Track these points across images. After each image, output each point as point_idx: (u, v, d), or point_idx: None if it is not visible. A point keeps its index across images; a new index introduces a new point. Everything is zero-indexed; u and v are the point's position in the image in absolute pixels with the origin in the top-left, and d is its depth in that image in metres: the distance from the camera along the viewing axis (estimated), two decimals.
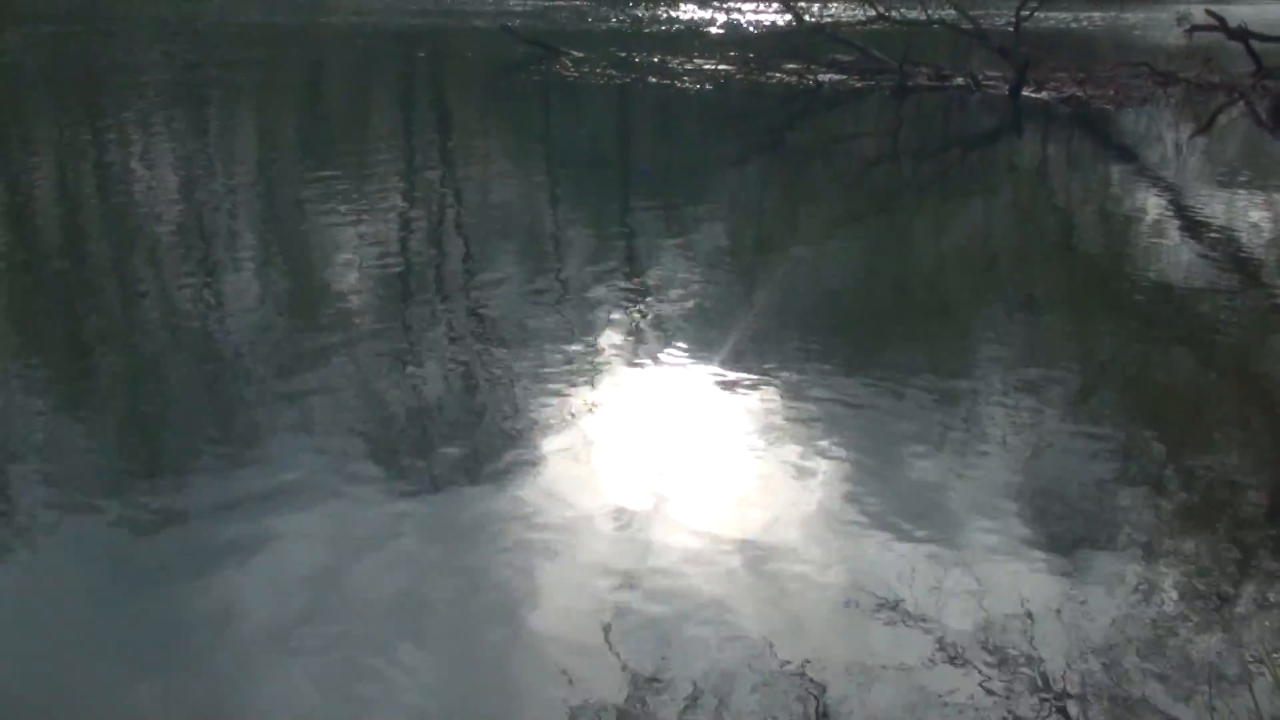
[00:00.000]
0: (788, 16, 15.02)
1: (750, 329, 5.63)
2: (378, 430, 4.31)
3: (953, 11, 14.21)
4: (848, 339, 5.73)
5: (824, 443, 4.28)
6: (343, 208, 7.76)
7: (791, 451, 4.20)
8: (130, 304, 5.90)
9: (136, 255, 6.76)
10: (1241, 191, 9.55)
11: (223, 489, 3.76)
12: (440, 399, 4.67)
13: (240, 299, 5.89)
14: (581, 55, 15.40)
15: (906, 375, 5.06)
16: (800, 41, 15.02)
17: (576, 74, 14.17)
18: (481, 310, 5.81)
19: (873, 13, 14.29)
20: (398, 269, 6.55)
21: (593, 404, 4.62)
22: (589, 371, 4.95)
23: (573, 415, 4.49)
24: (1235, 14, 15.70)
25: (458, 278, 6.50)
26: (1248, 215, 8.67)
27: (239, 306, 5.74)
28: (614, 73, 14.31)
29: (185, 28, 18.82)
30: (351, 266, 6.53)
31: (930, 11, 14.24)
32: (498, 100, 13.66)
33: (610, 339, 5.40)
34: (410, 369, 4.97)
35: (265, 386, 4.69)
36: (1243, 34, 14.41)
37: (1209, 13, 14.89)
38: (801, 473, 4.02)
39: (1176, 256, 7.55)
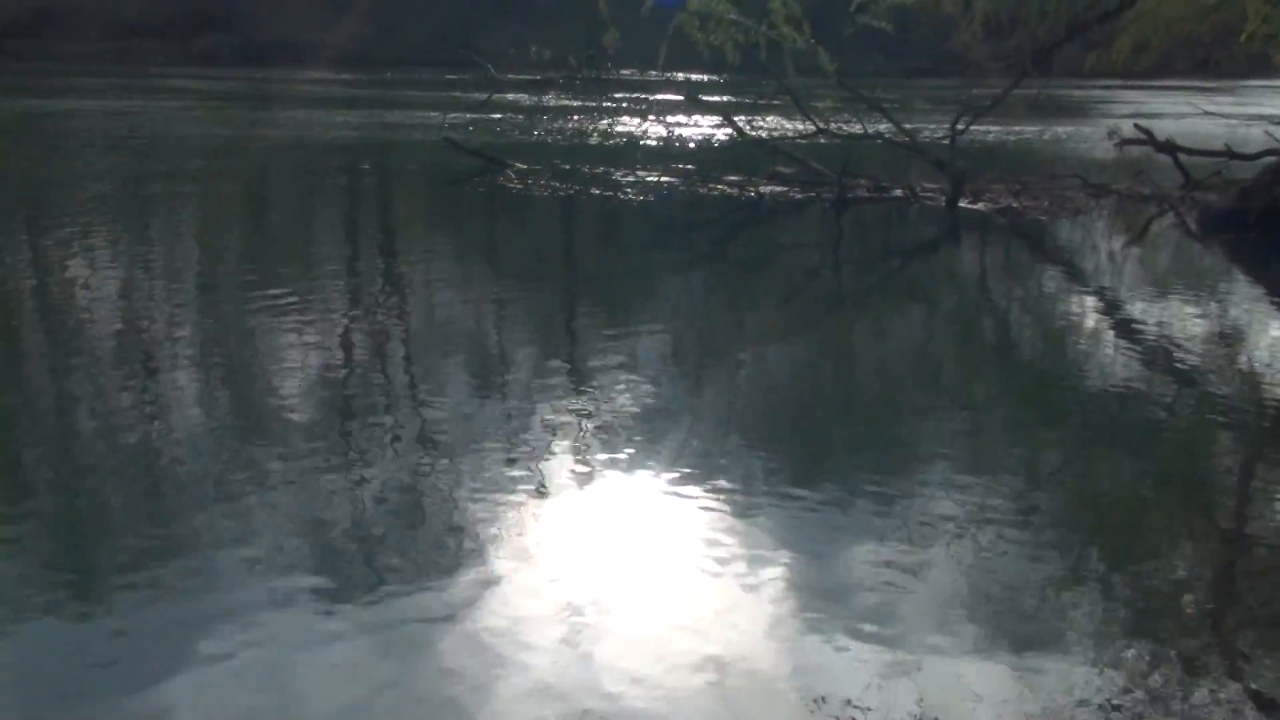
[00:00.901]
0: (729, 130, 15.25)
1: (696, 436, 5.64)
2: (318, 543, 4.25)
3: (890, 126, 14.50)
4: (794, 446, 5.73)
5: (770, 549, 4.28)
6: (285, 321, 7.70)
7: (738, 558, 4.18)
8: (66, 418, 5.80)
9: (74, 369, 6.66)
10: (1175, 299, 9.75)
11: (159, 604, 3.69)
12: (383, 510, 4.61)
13: (180, 413, 5.82)
14: (525, 167, 15.54)
15: (852, 481, 5.08)
16: (741, 154, 15.25)
17: (520, 185, 14.28)
18: (425, 421, 5.77)
19: (812, 127, 14.55)
20: (341, 381, 6.51)
21: (538, 513, 4.59)
22: (535, 480, 4.92)
23: (519, 525, 4.45)
24: (1163, 128, 16.18)
25: (401, 389, 6.47)
26: (1182, 322, 8.85)
27: (179, 420, 5.68)
28: (558, 184, 14.44)
29: (124, 141, 18.81)
30: (294, 379, 6.48)
31: (868, 126, 14.51)
32: (442, 212, 13.74)
33: (556, 447, 5.38)
34: (353, 480, 4.91)
35: (204, 500, 4.62)
36: (1171, 148, 14.84)
37: (1138, 127, 15.33)
38: (749, 580, 4.00)
39: (1114, 363, 7.67)
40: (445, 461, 5.15)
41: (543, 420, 5.80)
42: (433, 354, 7.24)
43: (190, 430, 5.50)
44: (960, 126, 14.82)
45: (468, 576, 3.97)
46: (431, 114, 22.81)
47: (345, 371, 6.72)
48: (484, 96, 19.35)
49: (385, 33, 49.40)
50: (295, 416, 5.78)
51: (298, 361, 6.81)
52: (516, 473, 5.01)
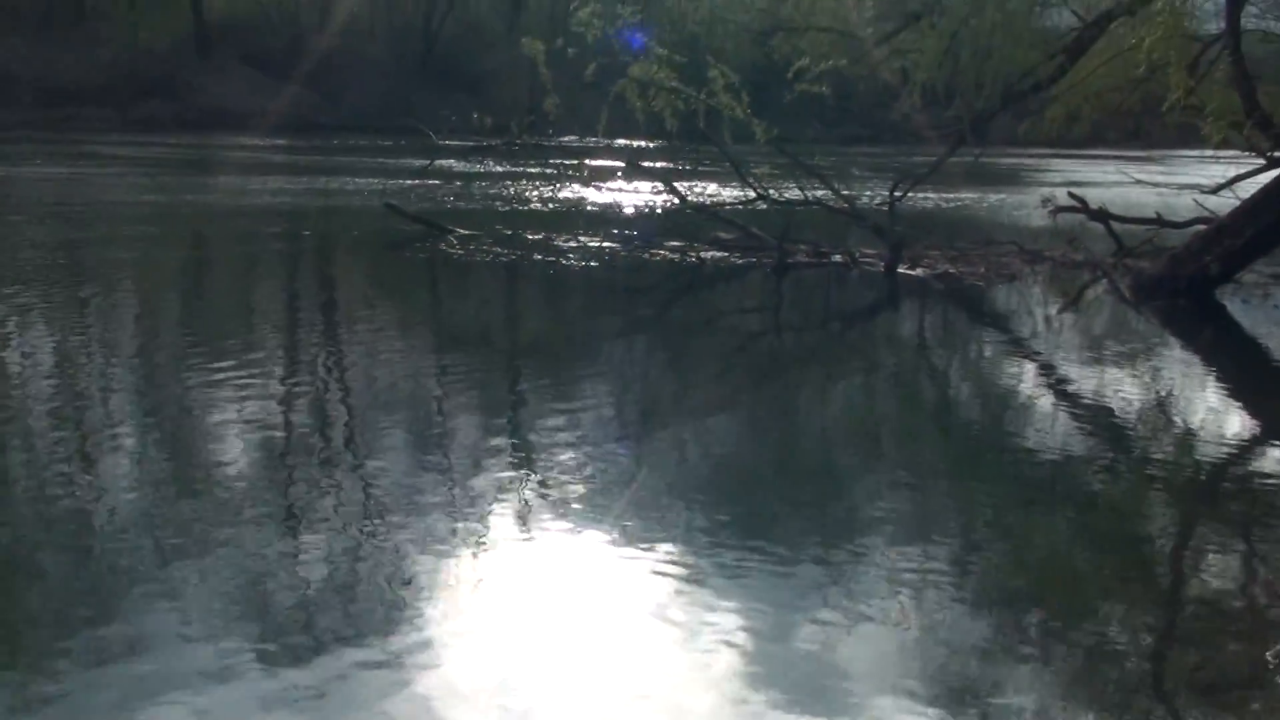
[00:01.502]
0: (670, 196, 15.34)
1: (640, 501, 5.60)
2: (256, 611, 4.16)
3: (829, 192, 14.64)
4: (737, 509, 5.69)
5: (713, 616, 4.24)
6: (224, 389, 7.58)
7: (680, 625, 4.14)
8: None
9: (8, 437, 6.50)
10: (1110, 364, 9.87)
11: (98, 670, 3.60)
12: (323, 578, 4.53)
13: (118, 482, 5.71)
14: (466, 232, 15.52)
15: (794, 546, 5.05)
16: (682, 220, 15.34)
17: (462, 251, 14.25)
18: (366, 487, 5.69)
19: (752, 194, 14.66)
20: (281, 448, 6.41)
21: (480, 578, 4.55)
22: (477, 545, 4.88)
23: (460, 591, 4.40)
24: (1096, 196, 16.48)
25: (342, 456, 6.37)
26: (1117, 387, 8.95)
27: (116, 489, 5.56)
28: (499, 250, 14.42)
29: (57, 207, 18.60)
30: (233, 446, 6.37)
31: (808, 192, 14.65)
32: (383, 277, 13.66)
33: (498, 512, 5.34)
34: (291, 547, 4.83)
35: (142, 567, 4.52)
36: (1103, 215, 15.11)
37: (1071, 195, 15.60)
38: (690, 649, 3.96)
39: (1052, 427, 7.72)
40: (385, 528, 5.07)
41: (485, 486, 5.74)
42: (374, 421, 7.14)
43: (128, 498, 5.39)
44: (899, 193, 15.01)
45: (408, 640, 3.91)
46: (373, 180, 22.82)
47: (285, 439, 6.62)
48: (425, 162, 19.36)
49: (327, 99, 49.46)
50: (235, 485, 5.67)
51: (236, 429, 6.69)
52: (459, 539, 4.95)
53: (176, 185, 22.99)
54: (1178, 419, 8.12)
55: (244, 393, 7.46)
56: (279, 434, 6.69)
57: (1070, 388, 8.97)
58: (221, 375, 7.89)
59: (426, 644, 3.90)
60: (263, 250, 14.66)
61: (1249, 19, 15.19)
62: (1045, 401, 8.59)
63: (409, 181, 20.62)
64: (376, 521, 5.17)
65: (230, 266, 13.84)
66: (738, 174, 14.88)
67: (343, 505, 5.42)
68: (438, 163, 19.89)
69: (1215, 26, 15.03)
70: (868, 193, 19.07)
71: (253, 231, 16.01)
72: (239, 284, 12.71)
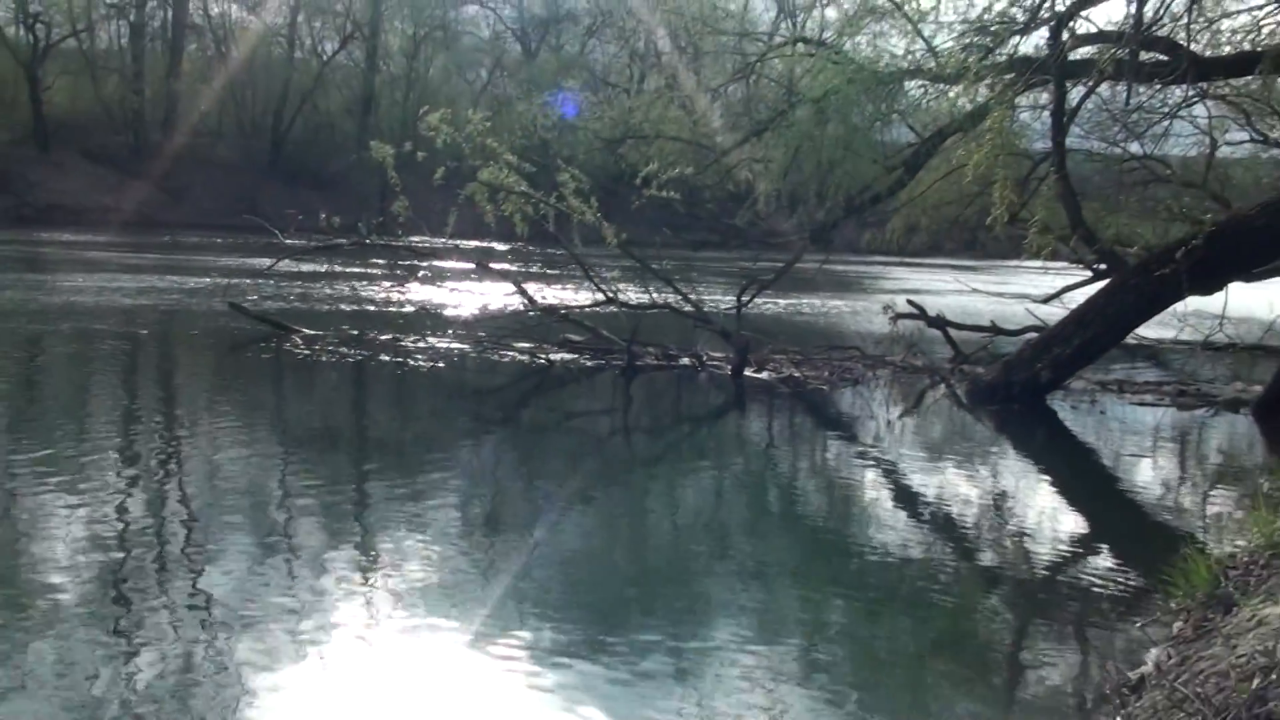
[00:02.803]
0: (519, 297, 15.37)
1: (485, 603, 5.54)
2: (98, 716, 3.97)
3: (678, 296, 14.83)
4: (584, 611, 5.66)
5: (562, 714, 4.19)
6: (59, 495, 7.27)
7: None
8: None
9: None
10: (947, 467, 10.11)
11: None
12: (160, 686, 4.34)
13: None
14: (311, 332, 15.29)
15: (642, 647, 5.03)
16: (531, 321, 15.36)
17: (307, 351, 14.02)
18: (205, 594, 5.50)
19: (601, 296, 14.78)
20: (117, 555, 6.16)
21: (322, 684, 4.41)
22: (320, 651, 4.74)
23: (301, 696, 4.26)
24: (934, 304, 17.03)
25: (181, 561, 6.15)
26: (954, 489, 9.18)
27: None
28: (345, 350, 14.23)
29: None
30: (66, 553, 6.10)
31: (656, 295, 14.82)
32: (225, 378, 13.31)
33: (343, 617, 5.21)
34: (128, 657, 4.63)
35: None
36: (941, 323, 15.64)
37: (911, 303, 16.11)
38: None
39: (892, 528, 7.86)
40: (225, 634, 4.91)
41: (328, 591, 5.62)
42: (213, 526, 6.90)
43: None
44: (745, 298, 15.28)
45: None
46: (216, 279, 22.38)
47: (119, 548, 6.35)
48: (270, 261, 19.10)
49: (172, 197, 48.57)
50: (68, 588, 5.44)
51: (66, 538, 6.41)
52: (300, 643, 4.82)
53: (8, 282, 22.20)
54: (1010, 521, 8.35)
55: (75, 500, 7.17)
56: (112, 543, 6.42)
57: (909, 490, 9.18)
58: (51, 481, 7.58)
59: None
60: (97, 350, 14.18)
61: (1074, 138, 16.00)
62: (886, 503, 8.76)
63: (254, 280, 20.28)
64: (213, 631, 5.00)
65: (63, 367, 13.35)
66: (587, 277, 15.00)
67: (177, 614, 5.23)
68: (284, 263, 19.66)
69: (1044, 145, 15.77)
70: (716, 297, 19.39)
71: (88, 330, 15.50)
72: (71, 386, 12.25)
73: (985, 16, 13.53)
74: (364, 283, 24.32)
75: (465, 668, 4.78)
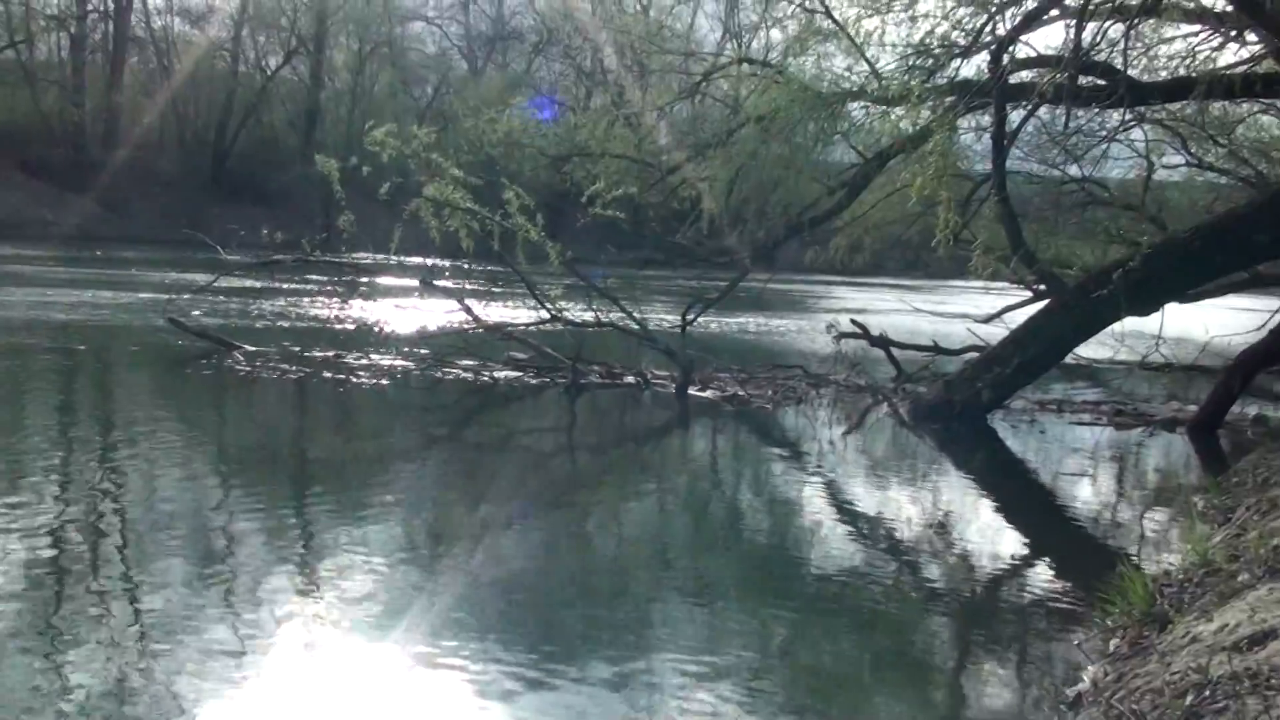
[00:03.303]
0: (464, 315, 15.32)
1: (427, 623, 5.51)
2: None
3: (622, 315, 14.84)
4: (528, 627, 5.65)
5: None
6: None
7: None
8: None
9: None
10: (889, 485, 10.19)
11: None
12: (98, 708, 4.28)
13: None
14: (254, 349, 15.16)
15: (584, 666, 5.03)
16: (477, 339, 15.31)
17: (249, 368, 13.88)
18: (141, 617, 5.43)
19: (546, 314, 14.76)
20: (48, 578, 6.06)
21: (260, 709, 4.37)
22: (256, 673, 4.69)
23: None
24: (877, 323, 17.17)
25: (120, 580, 6.07)
26: (896, 507, 9.25)
27: None
28: (288, 367, 14.10)
29: None
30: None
31: (601, 314, 14.82)
32: (165, 395, 13.16)
33: (281, 639, 5.17)
34: (67, 676, 4.55)
35: None
36: (884, 342, 15.77)
37: (854, 322, 16.23)
38: None
39: (833, 545, 7.92)
40: (159, 658, 4.84)
41: (271, 611, 5.57)
42: (151, 544, 6.82)
43: None
44: (690, 317, 15.33)
45: None
46: (157, 294, 22.12)
47: (54, 566, 6.26)
48: (212, 277, 18.90)
49: (112, 211, 47.97)
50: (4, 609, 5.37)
51: (6, 557, 6.30)
52: (236, 665, 4.77)
53: None
54: (951, 539, 8.42)
55: (9, 518, 7.05)
56: (42, 566, 6.31)
57: (851, 509, 9.24)
58: None
59: None
60: (29, 366, 13.96)
61: (1014, 161, 16.19)
62: (828, 522, 8.81)
63: (196, 297, 20.07)
64: (147, 655, 4.94)
65: None
66: (532, 295, 14.98)
67: (110, 638, 5.15)
68: (226, 279, 19.48)
69: (985, 166, 15.95)
70: (661, 316, 19.44)
71: (20, 345, 15.26)
72: (4, 402, 12.05)
73: (928, 40, 13.70)
74: (307, 299, 24.15)
75: (404, 689, 4.75)
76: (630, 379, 14.51)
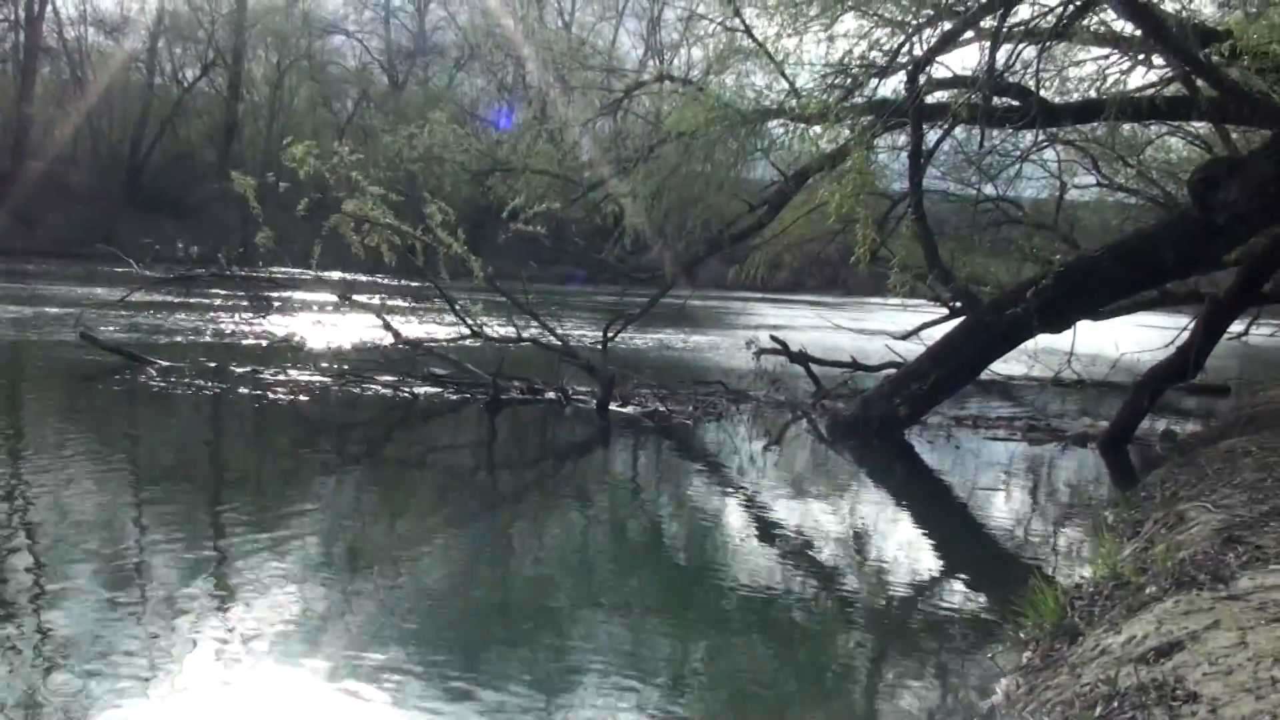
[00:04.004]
0: (383, 330, 15.20)
1: (345, 639, 5.46)
2: None
3: (543, 330, 14.82)
4: (443, 643, 5.62)
5: None
6: None
7: None
8: None
9: None
10: (808, 501, 10.28)
11: None
12: None
13: None
14: (168, 364, 14.93)
15: (502, 680, 5.02)
16: (396, 354, 15.20)
17: (163, 383, 13.66)
18: (51, 635, 5.31)
19: (466, 330, 14.70)
20: None
21: None
22: (167, 689, 4.62)
23: None
24: (797, 339, 17.30)
25: (25, 602, 5.91)
26: (814, 522, 9.32)
27: None
28: (203, 382, 13.90)
29: None
30: None
31: (522, 329, 14.79)
32: (75, 411, 12.89)
33: (197, 654, 5.08)
34: None
35: None
36: (803, 358, 15.91)
37: (773, 338, 16.35)
38: None
39: (751, 560, 7.96)
40: (74, 679, 4.74)
41: (181, 630, 5.47)
42: (58, 566, 6.66)
43: None
44: (611, 333, 15.34)
45: None
46: (68, 309, 21.69)
47: None
48: (125, 291, 18.59)
49: (22, 224, 46.97)
50: None
51: None
52: (151, 684, 4.69)
53: None
54: (867, 553, 8.50)
55: None
56: None
57: (769, 524, 9.30)
58: None
59: None
60: None
61: (931, 180, 16.43)
62: (746, 537, 8.86)
63: (106, 310, 19.71)
64: (54, 677, 4.83)
65: None
66: (453, 310, 14.91)
67: (22, 651, 5.04)
68: (141, 293, 19.16)
69: (902, 185, 16.16)
70: (582, 332, 19.43)
71: None
72: None
73: (846, 59, 13.86)
74: (224, 314, 23.83)
75: (316, 706, 4.70)
76: (551, 395, 14.48)
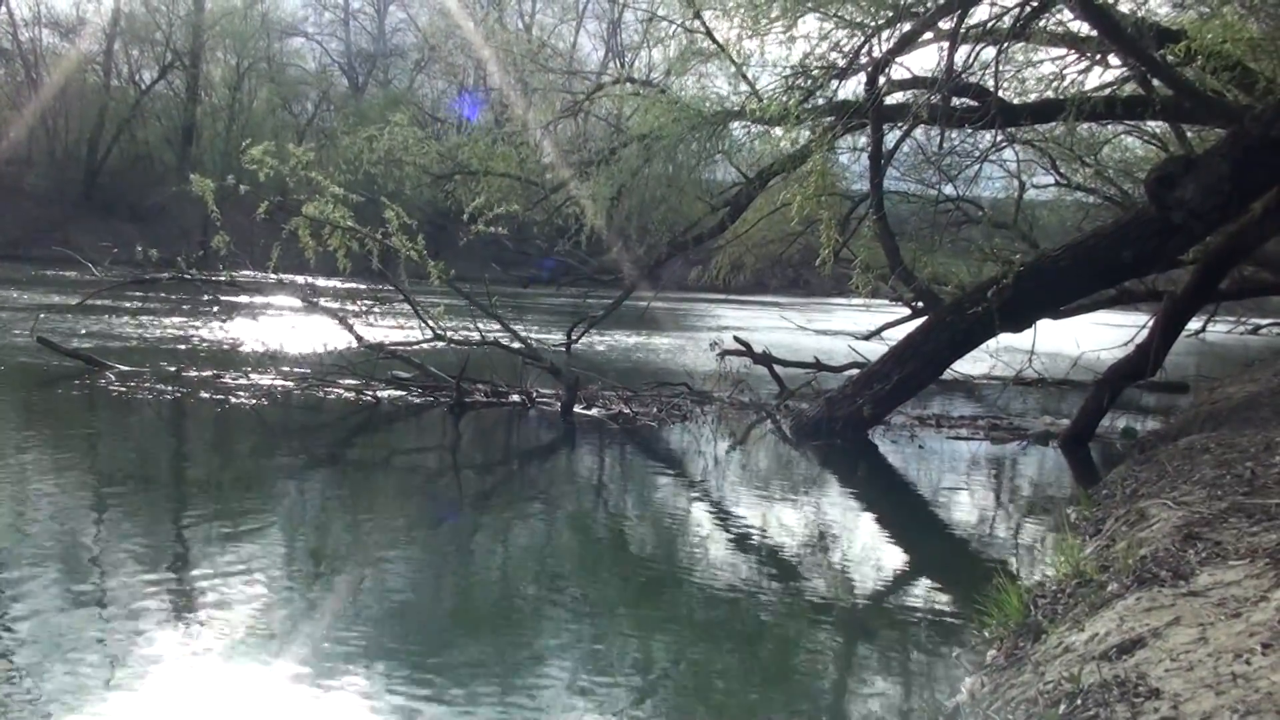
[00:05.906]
0: (345, 334, 15.12)
1: (305, 647, 5.42)
2: None
3: (507, 333, 14.79)
4: (407, 645, 5.59)
5: None
6: None
7: None
8: None
9: None
10: (773, 501, 10.29)
11: None
12: None
13: None
14: (127, 369, 14.79)
15: (467, 683, 5.01)
16: (358, 358, 15.13)
17: (122, 388, 13.54)
18: (5, 637, 5.25)
19: (429, 333, 14.64)
20: None
21: None
22: (127, 693, 4.58)
23: None
24: (761, 340, 17.34)
25: None
26: (779, 523, 9.34)
27: None
28: (163, 387, 13.79)
29: None
30: None
31: (485, 332, 14.75)
32: (32, 417, 12.75)
33: (156, 659, 5.04)
34: None
35: None
36: (767, 359, 15.94)
37: (737, 339, 16.38)
38: None
39: (716, 561, 7.97)
40: (33, 686, 4.68)
41: (141, 637, 5.42)
42: (15, 573, 6.59)
43: None
44: (574, 335, 15.33)
45: None
46: (23, 312, 21.46)
47: None
48: (83, 295, 18.41)
49: None
50: None
51: None
52: (111, 689, 4.65)
53: None
54: (832, 553, 8.53)
55: None
56: None
57: (734, 525, 9.31)
58: None
59: None
60: None
61: (891, 180, 16.55)
62: (711, 538, 8.86)
63: (62, 314, 19.52)
64: (18, 677, 4.78)
65: None
66: (415, 313, 14.85)
67: None
68: (98, 297, 18.99)
69: (863, 186, 16.25)
70: (546, 334, 19.40)
71: None
72: None
73: (806, 61, 13.92)
74: (184, 318, 23.65)
75: (277, 712, 4.67)
76: (515, 398, 14.45)
